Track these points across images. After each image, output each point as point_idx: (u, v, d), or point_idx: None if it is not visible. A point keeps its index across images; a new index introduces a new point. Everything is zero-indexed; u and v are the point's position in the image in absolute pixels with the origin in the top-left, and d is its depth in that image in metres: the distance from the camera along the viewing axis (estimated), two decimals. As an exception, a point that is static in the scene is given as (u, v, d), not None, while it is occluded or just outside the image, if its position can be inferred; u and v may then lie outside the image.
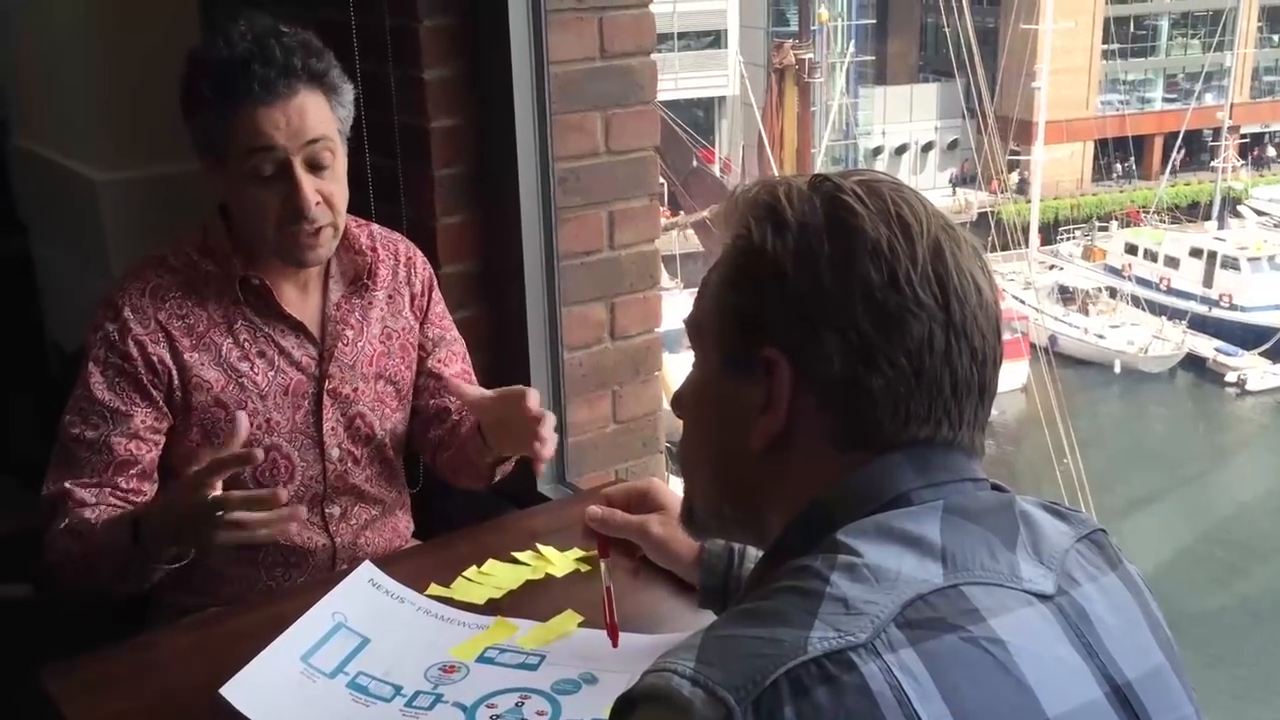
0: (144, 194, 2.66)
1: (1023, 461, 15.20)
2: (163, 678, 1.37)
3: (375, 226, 1.76)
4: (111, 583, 1.48)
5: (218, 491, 1.33)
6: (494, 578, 1.53)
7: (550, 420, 1.54)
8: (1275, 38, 27.30)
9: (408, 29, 2.01)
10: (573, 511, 1.60)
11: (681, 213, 17.59)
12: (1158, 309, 20.45)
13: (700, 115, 24.02)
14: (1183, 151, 24.75)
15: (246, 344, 1.59)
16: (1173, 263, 21.49)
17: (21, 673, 1.35)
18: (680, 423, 0.94)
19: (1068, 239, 23.93)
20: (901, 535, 0.77)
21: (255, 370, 1.59)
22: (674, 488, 1.41)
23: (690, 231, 17.41)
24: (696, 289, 0.91)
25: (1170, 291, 21.04)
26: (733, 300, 0.85)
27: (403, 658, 1.34)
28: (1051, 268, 22.22)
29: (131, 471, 1.53)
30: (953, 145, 25.53)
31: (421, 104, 2.02)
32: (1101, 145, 25.33)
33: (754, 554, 1.31)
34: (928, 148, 25.84)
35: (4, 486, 2.65)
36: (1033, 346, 16.74)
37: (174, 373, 1.55)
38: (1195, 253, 21.32)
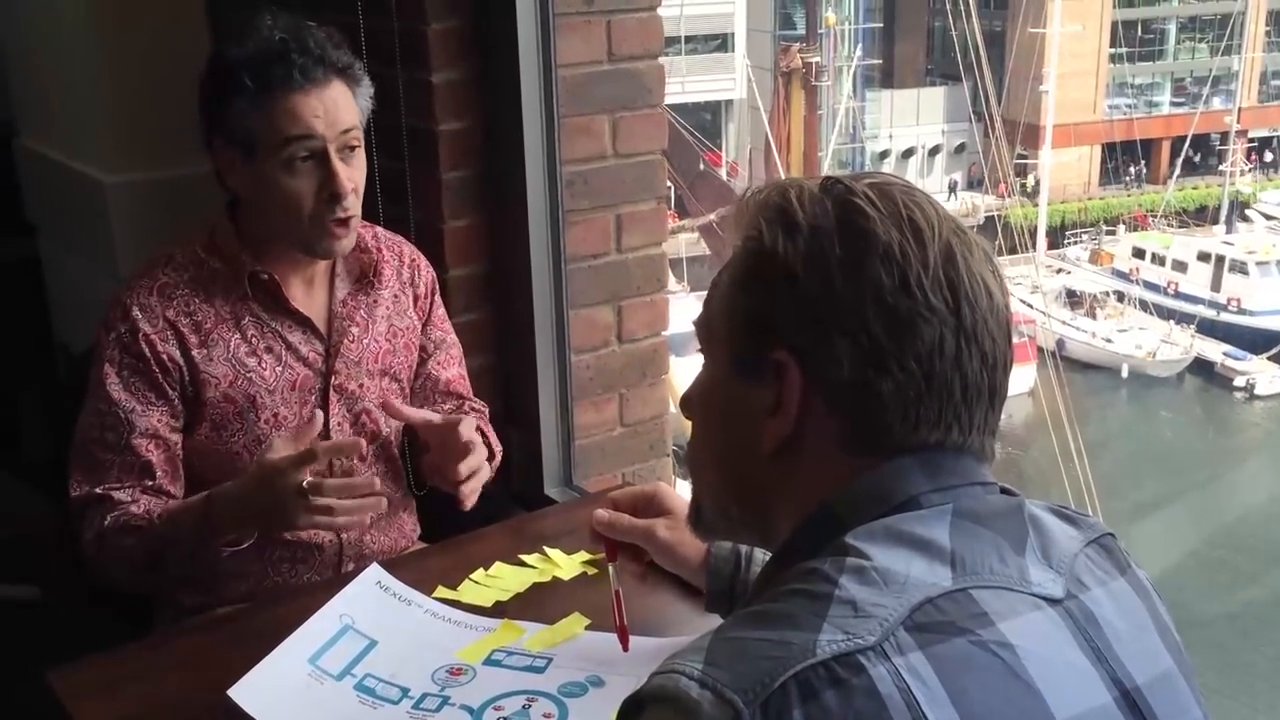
0: (152, 196, 2.67)
1: (1030, 465, 15.16)
2: (171, 679, 1.37)
3: (379, 229, 1.78)
4: (176, 571, 1.52)
5: (308, 478, 1.38)
6: (501, 580, 1.53)
7: (474, 452, 1.54)
8: (1284, 42, 27.24)
9: (416, 32, 2.01)
10: (580, 514, 1.60)
11: (688, 216, 17.59)
12: (1165, 313, 20.39)
13: (707, 119, 24.02)
14: (1197, 155, 24.71)
15: (254, 339, 1.61)
16: (1181, 267, 21.44)
17: (30, 674, 1.35)
18: (688, 426, 0.94)
19: (1074, 243, 23.88)
20: (910, 539, 0.77)
21: (263, 365, 1.61)
22: (681, 491, 1.41)
23: (697, 234, 17.41)
24: (704, 292, 0.91)
25: (1178, 295, 20.99)
26: (743, 302, 0.85)
27: (410, 660, 1.34)
28: (1059, 271, 22.18)
29: (157, 474, 1.55)
30: (960, 149, 25.50)
31: (429, 107, 2.03)
32: (1109, 149, 25.29)
33: (760, 558, 1.31)
34: (935, 151, 25.81)
35: (12, 489, 2.65)
36: (1040, 350, 16.70)
37: (184, 369, 1.57)
38: (1203, 257, 21.27)
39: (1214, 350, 19.45)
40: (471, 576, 1.53)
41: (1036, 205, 22.68)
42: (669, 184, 2.30)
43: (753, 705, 0.69)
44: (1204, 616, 11.48)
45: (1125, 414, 18.89)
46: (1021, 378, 15.87)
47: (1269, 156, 25.34)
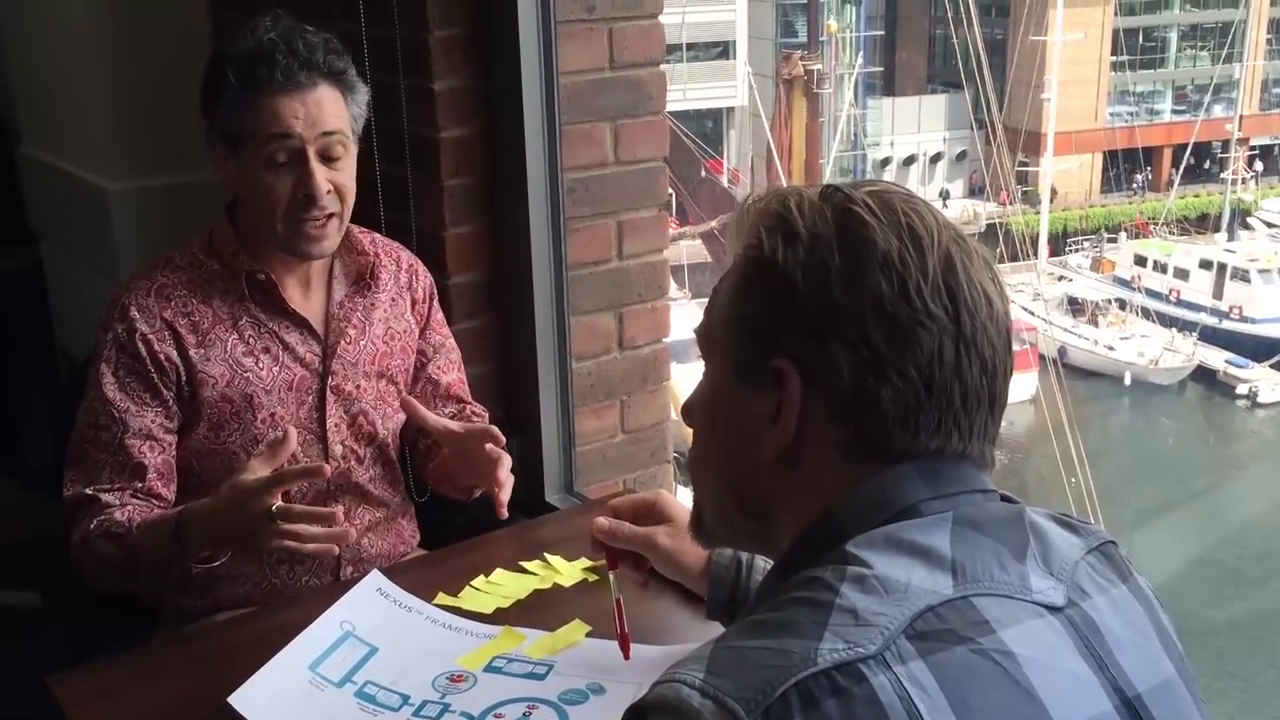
0: (155, 203, 2.67)
1: (1032, 473, 15.16)
2: (171, 685, 1.37)
3: (377, 235, 1.79)
4: (151, 583, 1.52)
5: (279, 502, 1.37)
6: (502, 587, 1.53)
7: (506, 463, 1.59)
8: (1285, 50, 27.25)
9: (418, 39, 2.01)
10: (580, 521, 1.60)
11: (690, 223, 17.61)
12: (1167, 321, 20.39)
13: (709, 126, 24.05)
14: (1199, 163, 24.70)
15: (252, 340, 1.62)
16: (1182, 274, 21.44)
17: (31, 681, 1.35)
18: (690, 433, 0.94)
19: (1076, 250, 23.88)
20: (911, 546, 0.77)
21: (260, 365, 1.62)
22: (682, 498, 1.41)
23: (698, 241, 17.42)
24: (705, 299, 0.91)
25: (1180, 303, 20.98)
26: (743, 311, 0.85)
27: (410, 667, 1.34)
28: (1060, 279, 22.18)
29: (149, 475, 1.55)
30: (961, 156, 25.52)
31: (431, 114, 2.03)
32: (1110, 157, 25.30)
33: (761, 566, 1.31)
34: (936, 159, 25.83)
35: (15, 495, 2.66)
36: (1041, 358, 16.70)
37: (180, 369, 1.58)
38: (1205, 264, 21.27)
39: (1216, 358, 19.44)
40: (472, 583, 1.53)
41: (1038, 212, 22.69)
42: (670, 191, 2.30)
43: (754, 714, 0.69)
44: (1206, 624, 11.46)
45: (1127, 421, 18.87)
46: (1023, 385, 15.87)
47: (1259, 166, 25.27)
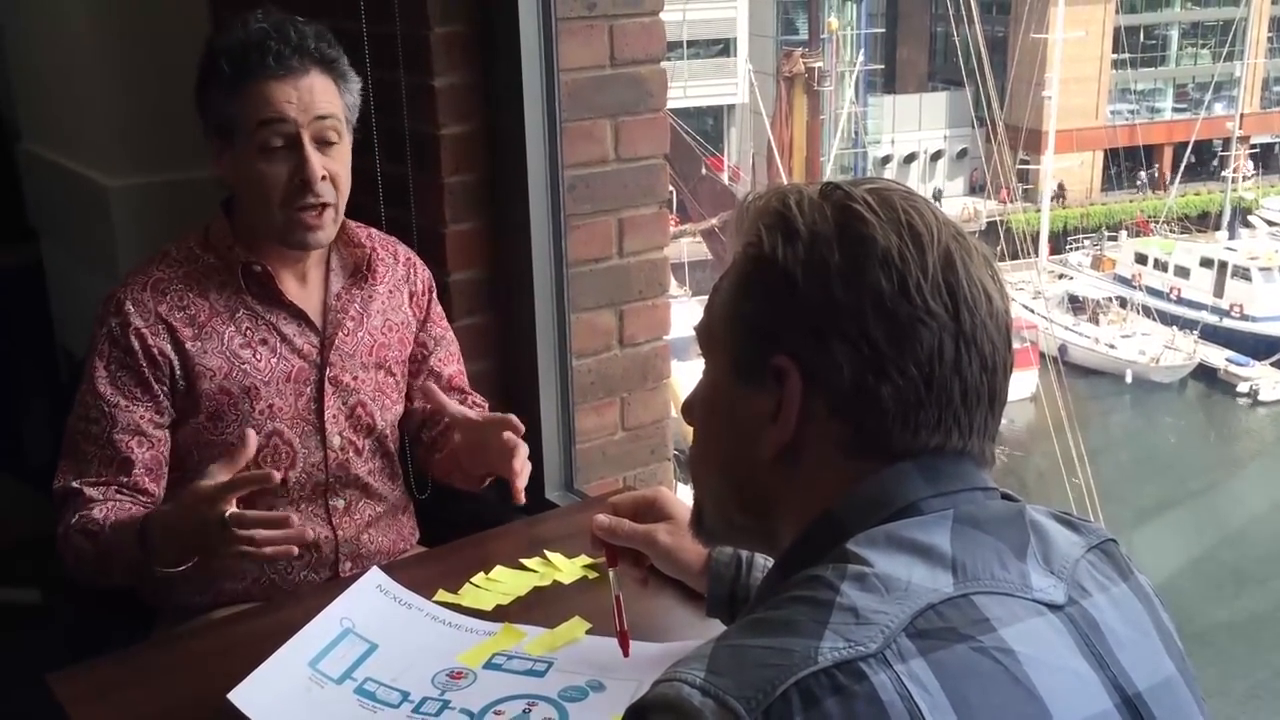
0: (155, 200, 2.67)
1: (1032, 471, 15.15)
2: (171, 682, 1.37)
3: (374, 229, 1.80)
4: (126, 581, 1.52)
5: (233, 508, 1.36)
6: (502, 584, 1.53)
7: (523, 451, 1.59)
8: (1286, 48, 27.21)
9: (418, 36, 2.01)
10: (580, 518, 1.60)
11: (690, 221, 17.60)
12: (1168, 319, 20.38)
13: (709, 123, 24.04)
14: (1199, 161, 24.69)
15: (249, 332, 1.62)
16: (1183, 273, 21.43)
17: (30, 678, 1.36)
18: (690, 431, 0.94)
19: (1076, 248, 23.87)
20: (911, 545, 0.77)
21: (258, 357, 1.62)
22: (682, 495, 1.41)
23: (699, 239, 17.41)
24: (705, 297, 0.91)
25: (1180, 301, 20.98)
26: (743, 309, 0.85)
27: (410, 664, 1.34)
28: (1061, 277, 22.17)
29: (136, 466, 1.56)
30: (962, 154, 25.50)
31: (432, 111, 2.03)
32: (1111, 155, 25.28)
33: (761, 563, 1.31)
34: (937, 156, 25.82)
35: (16, 492, 2.66)
36: (1042, 356, 16.69)
37: (175, 363, 1.58)
38: (1206, 263, 21.26)
39: (1217, 356, 19.44)
40: (472, 580, 1.53)
41: (1038, 210, 22.69)
42: (670, 188, 2.30)
43: (755, 713, 0.69)
44: (1206, 624, 11.46)
45: (1128, 420, 18.86)
46: (1023, 383, 15.87)
47: (1250, 168, 25.22)
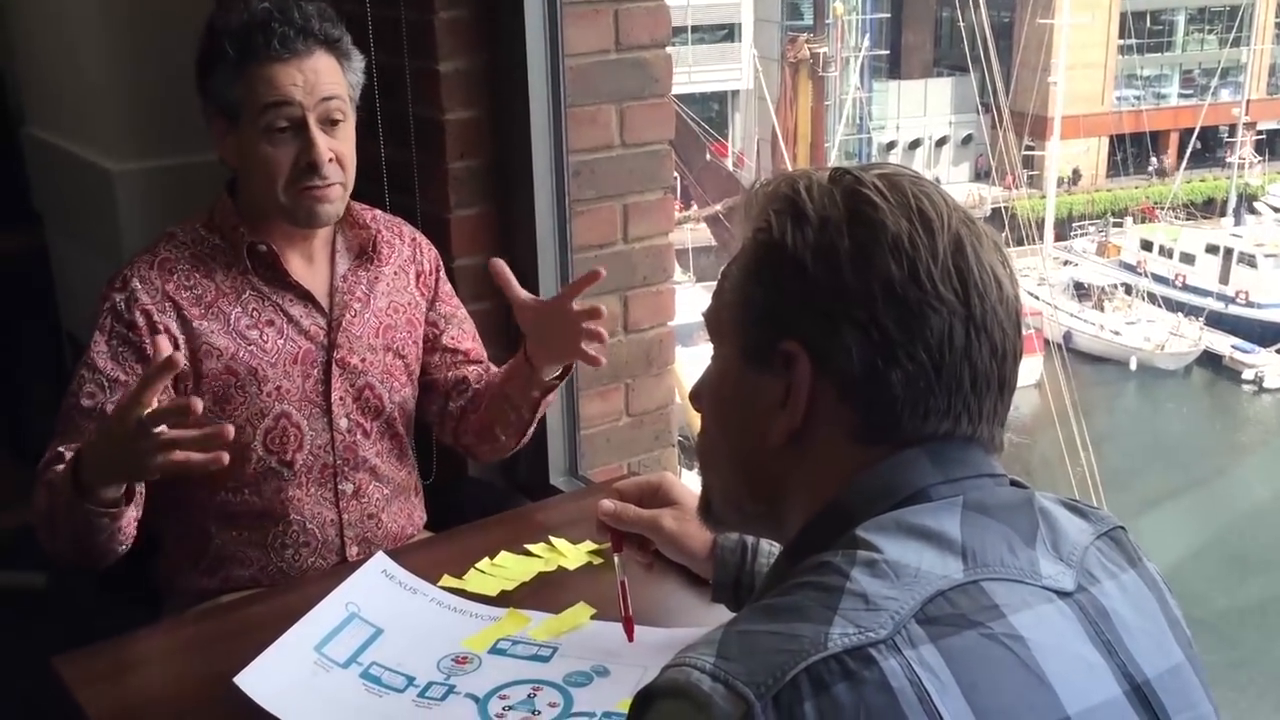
0: (159, 184, 2.67)
1: (1036, 458, 15.15)
2: (177, 666, 1.37)
3: (379, 211, 1.79)
4: (65, 531, 1.42)
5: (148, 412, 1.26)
6: (506, 570, 1.53)
7: (600, 312, 1.56)
8: (1293, 33, 27.07)
9: (423, 21, 2.00)
10: (585, 504, 1.60)
11: (694, 206, 17.57)
12: (1173, 305, 20.34)
13: (714, 109, 23.97)
14: (1205, 147, 24.61)
15: (255, 313, 1.62)
16: (1188, 259, 21.38)
17: (37, 662, 1.36)
18: (695, 416, 0.93)
19: (1081, 235, 23.82)
20: (921, 531, 0.77)
21: (264, 338, 1.62)
22: (686, 481, 1.41)
23: (703, 225, 17.39)
24: (710, 282, 0.91)
25: (1186, 288, 20.93)
26: (752, 294, 0.85)
27: (415, 649, 1.34)
28: (1066, 263, 22.12)
29: None
30: (967, 140, 25.42)
31: (436, 96, 2.02)
32: (1117, 141, 25.20)
33: (766, 549, 1.31)
34: (941, 142, 25.74)
35: (20, 476, 2.66)
36: (1046, 343, 16.67)
37: (180, 341, 1.57)
38: (1211, 249, 21.20)
39: (1222, 343, 19.40)
40: (477, 566, 1.53)
41: (1043, 197, 22.63)
42: (675, 174, 2.30)
43: (764, 698, 0.69)
44: (1213, 611, 11.47)
45: (1133, 406, 18.84)
46: (1028, 370, 15.84)
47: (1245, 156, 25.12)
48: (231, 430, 1.27)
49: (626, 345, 2.15)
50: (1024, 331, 0.85)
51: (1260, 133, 26.03)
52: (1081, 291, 21.00)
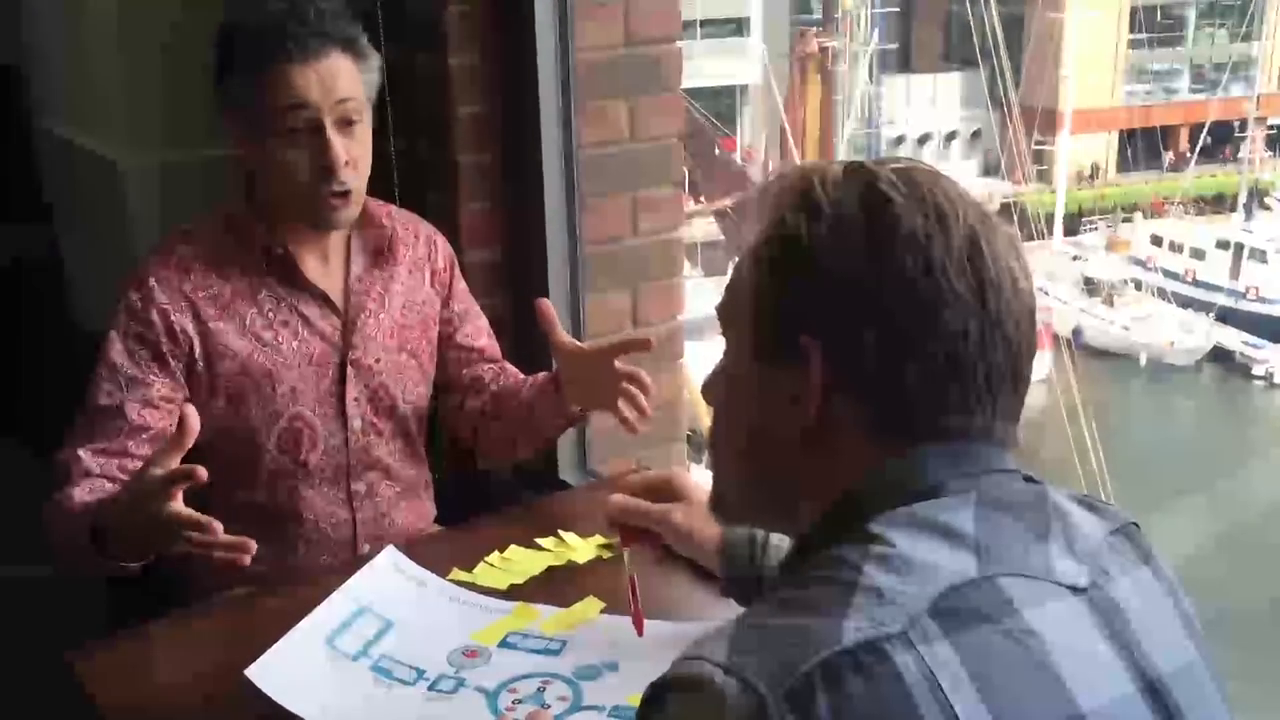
0: (168, 179, 2.67)
1: (1045, 453, 15.11)
2: (188, 659, 1.38)
3: (394, 207, 1.78)
4: (81, 568, 1.44)
5: (178, 503, 1.27)
6: (516, 563, 1.53)
7: (643, 381, 1.56)
8: (1305, 28, 26.89)
9: (434, 16, 2.00)
10: (595, 498, 1.60)
11: (703, 200, 17.54)
12: (1183, 301, 20.27)
13: (723, 103, 23.93)
14: (1226, 144, 24.51)
15: (271, 314, 1.62)
16: (1199, 254, 21.29)
17: (49, 654, 1.36)
18: (704, 411, 0.93)
19: (1091, 230, 23.74)
20: (934, 526, 0.77)
21: (280, 339, 1.62)
22: (696, 476, 1.41)
23: (711, 219, 17.36)
24: (719, 277, 0.91)
25: (1196, 284, 20.84)
26: (765, 288, 0.84)
27: (425, 642, 1.35)
28: (1075, 259, 22.05)
29: (144, 437, 1.53)
30: (976, 135, 25.33)
31: (446, 90, 2.02)
32: (1127, 136, 25.10)
33: (776, 544, 1.31)
34: (951, 137, 25.66)
35: (31, 468, 2.67)
36: (1056, 338, 16.62)
37: (195, 341, 1.57)
38: (1222, 245, 21.11)
39: (1233, 339, 19.33)
40: (487, 559, 1.53)
41: (1053, 191, 22.55)
42: (684, 168, 2.29)
43: (777, 693, 0.69)
44: (1225, 609, 11.42)
45: (1143, 402, 18.78)
46: (1037, 365, 15.73)
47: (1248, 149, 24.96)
48: (254, 546, 1.26)
49: (636, 340, 2.14)
50: (1037, 327, 0.85)
51: (1271, 128, 25.87)
52: (1091, 287, 20.93)
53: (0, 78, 3.32)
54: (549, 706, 1.24)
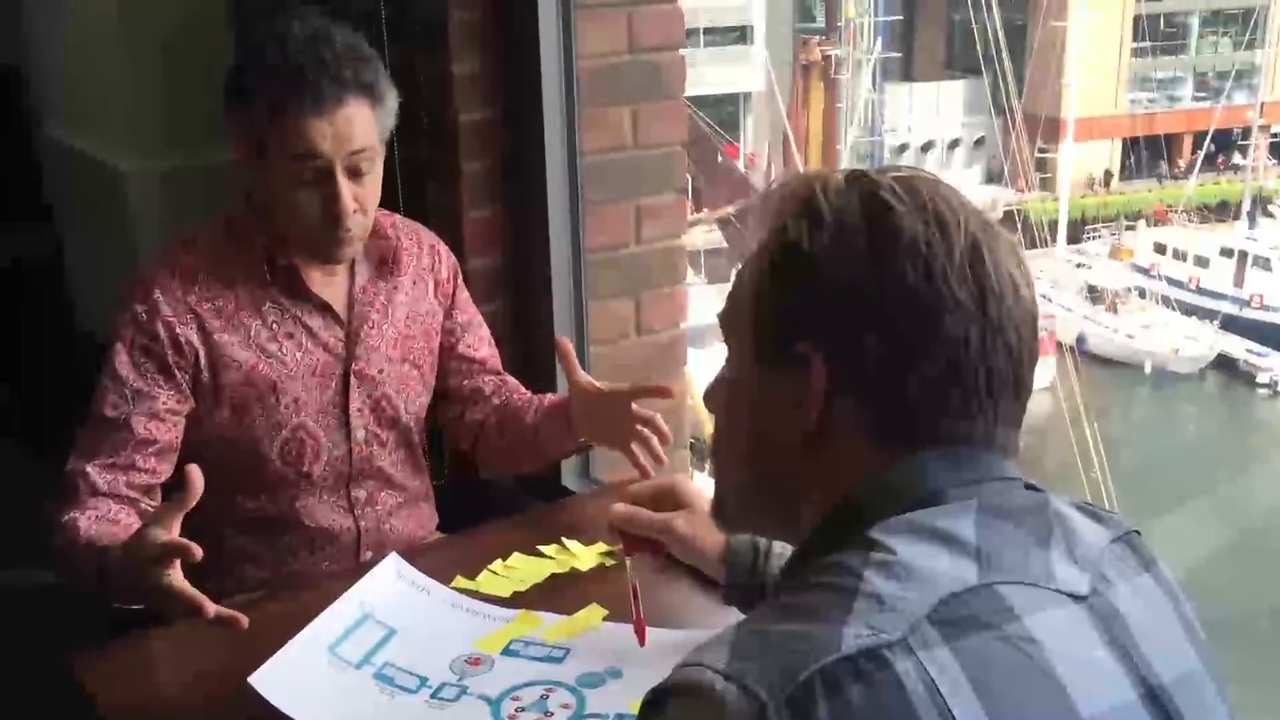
0: (171, 185, 2.68)
1: (1049, 461, 15.09)
2: (191, 665, 1.37)
3: (398, 217, 1.78)
4: (90, 591, 1.44)
5: (175, 573, 1.27)
6: (519, 571, 1.53)
7: (658, 420, 1.56)
8: (1308, 36, 26.89)
9: (437, 22, 2.01)
10: (598, 506, 1.60)
11: (705, 208, 17.55)
12: (1187, 309, 20.25)
13: (726, 111, 23.95)
14: (1231, 151, 24.51)
15: (275, 325, 1.62)
16: (1202, 262, 21.28)
17: (52, 659, 1.36)
18: (706, 418, 0.93)
19: (1094, 238, 23.74)
20: (935, 533, 0.77)
21: (284, 351, 1.62)
22: (699, 484, 1.41)
23: (714, 227, 17.37)
24: (721, 284, 0.91)
25: (1200, 291, 20.83)
26: (767, 295, 0.85)
27: (428, 649, 1.34)
28: (1079, 266, 22.05)
29: (150, 450, 1.54)
30: (979, 143, 25.35)
31: (450, 97, 2.03)
32: (1131, 143, 25.11)
33: (779, 551, 1.31)
34: (954, 145, 25.67)
35: (34, 473, 2.67)
36: (1059, 345, 16.61)
37: (201, 353, 1.57)
38: (1226, 252, 21.10)
39: (1237, 347, 19.30)
40: (489, 567, 1.53)
41: (1056, 199, 22.56)
42: (687, 176, 2.30)
43: (778, 699, 0.69)
44: (1229, 617, 11.39)
45: (1147, 410, 18.76)
46: (1040, 373, 15.76)
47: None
48: (246, 622, 1.26)
49: (639, 347, 2.15)
50: (1040, 334, 0.85)
51: (1275, 135, 25.85)
52: (1095, 294, 20.92)
53: (0, 79, 3.32)
54: (552, 714, 1.24)
